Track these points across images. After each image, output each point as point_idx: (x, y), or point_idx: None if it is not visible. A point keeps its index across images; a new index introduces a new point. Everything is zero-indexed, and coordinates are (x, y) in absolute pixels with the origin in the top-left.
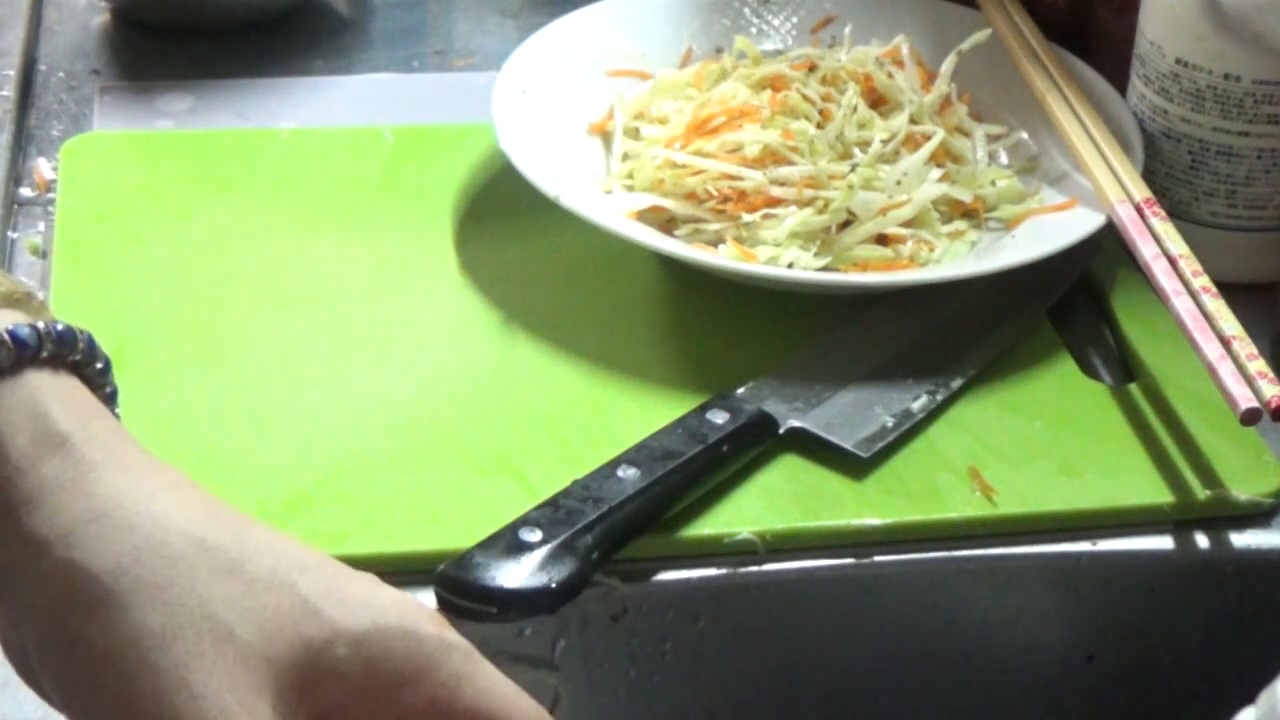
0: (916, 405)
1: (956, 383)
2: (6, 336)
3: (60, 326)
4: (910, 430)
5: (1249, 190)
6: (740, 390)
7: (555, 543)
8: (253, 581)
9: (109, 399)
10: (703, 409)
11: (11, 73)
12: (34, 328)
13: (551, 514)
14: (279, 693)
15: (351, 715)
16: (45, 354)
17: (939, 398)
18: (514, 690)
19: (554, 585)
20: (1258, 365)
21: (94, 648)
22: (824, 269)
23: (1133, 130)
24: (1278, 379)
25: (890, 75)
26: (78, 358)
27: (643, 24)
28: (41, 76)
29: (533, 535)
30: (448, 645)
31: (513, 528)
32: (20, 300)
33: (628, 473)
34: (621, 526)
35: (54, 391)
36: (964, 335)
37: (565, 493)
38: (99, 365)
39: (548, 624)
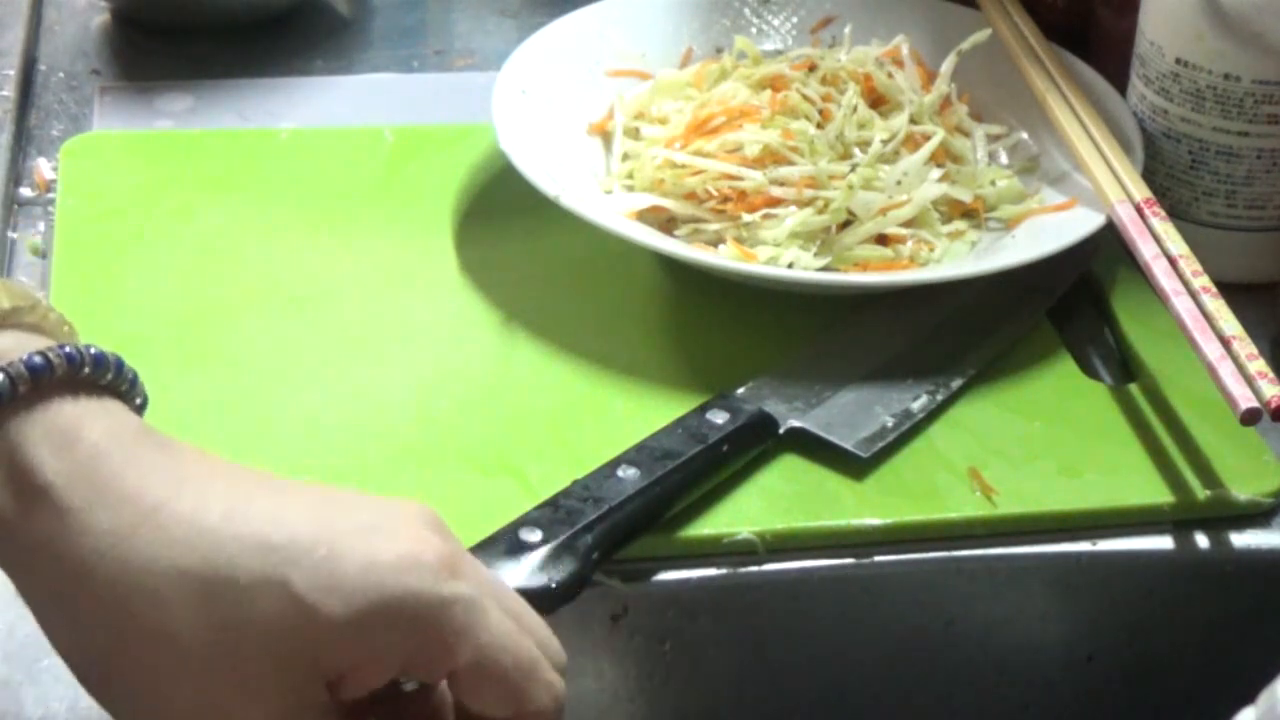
0: (916, 405)
1: (956, 383)
2: (22, 365)
3: (68, 349)
4: (910, 430)
5: (1249, 190)
6: (740, 390)
7: (555, 543)
8: (242, 593)
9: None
10: (703, 409)
11: (11, 73)
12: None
13: (551, 514)
14: (307, 689)
15: (365, 673)
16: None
17: (939, 398)
18: (511, 638)
19: (554, 585)
20: (1258, 365)
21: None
22: (824, 269)
23: (1133, 130)
24: (1278, 379)
25: (890, 75)
26: (108, 378)
27: (643, 24)
28: (41, 76)
29: (533, 535)
30: (446, 602)
31: (513, 528)
32: (22, 313)
33: (628, 473)
34: (622, 526)
35: (52, 428)
36: (964, 335)
37: (565, 493)
38: (114, 379)
39: (548, 624)
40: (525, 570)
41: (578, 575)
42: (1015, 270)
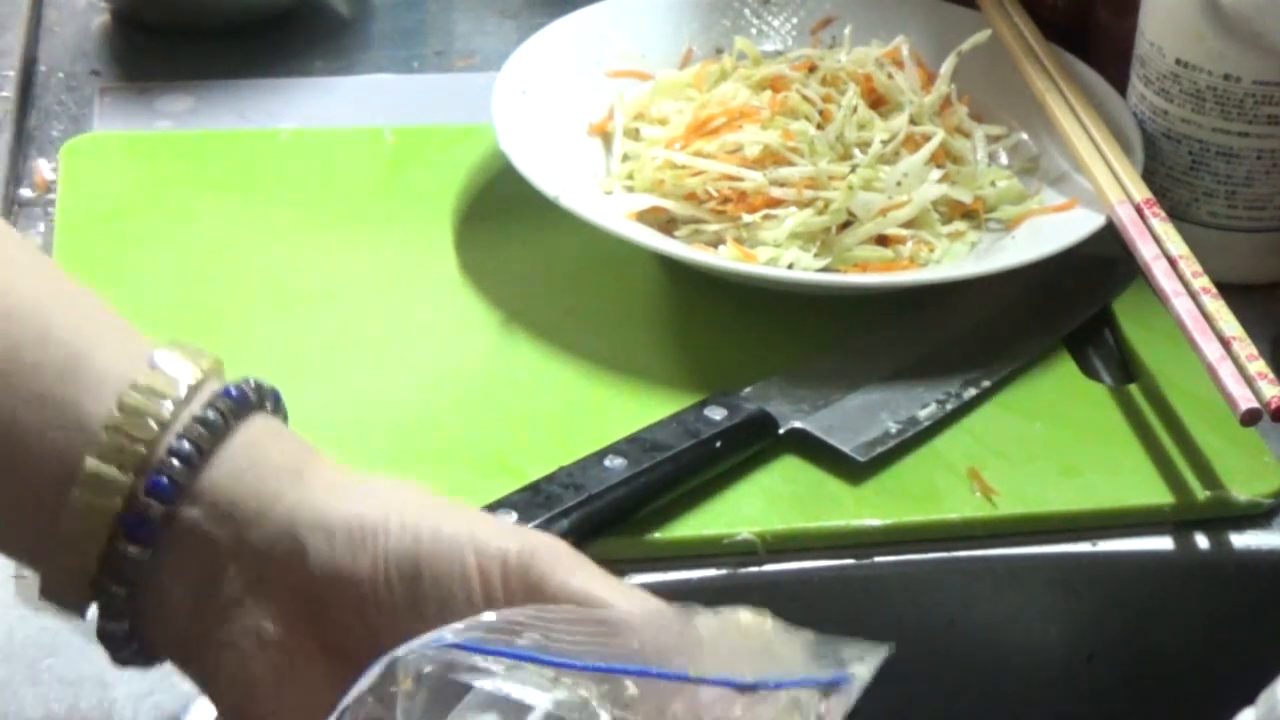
0: (924, 413)
1: (969, 394)
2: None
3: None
4: (913, 437)
5: (1249, 191)
6: (746, 390)
7: (529, 525)
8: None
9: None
10: (701, 405)
11: (11, 73)
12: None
13: (531, 497)
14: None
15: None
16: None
17: (948, 408)
18: None
19: None
20: (1258, 366)
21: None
22: (824, 270)
23: (1133, 131)
24: (1278, 379)
25: (890, 76)
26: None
27: (643, 24)
28: (41, 77)
29: (508, 517)
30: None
31: (490, 509)
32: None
33: (614, 462)
34: (601, 514)
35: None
36: (980, 350)
37: (549, 478)
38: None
39: None
40: None
41: None
42: (1034, 289)
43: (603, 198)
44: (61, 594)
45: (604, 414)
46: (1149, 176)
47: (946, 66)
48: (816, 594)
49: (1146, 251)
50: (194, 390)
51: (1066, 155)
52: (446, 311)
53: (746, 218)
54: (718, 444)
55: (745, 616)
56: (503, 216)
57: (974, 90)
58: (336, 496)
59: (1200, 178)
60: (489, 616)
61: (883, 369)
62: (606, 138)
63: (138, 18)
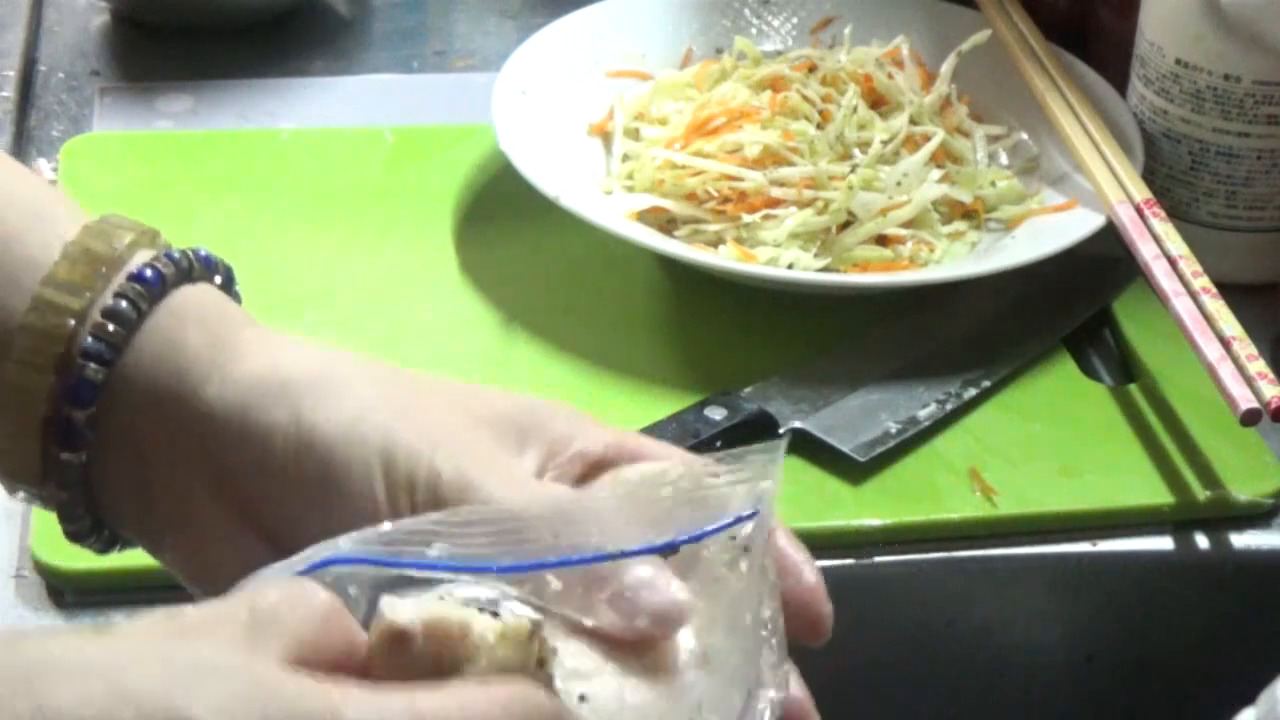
0: (924, 414)
1: (969, 394)
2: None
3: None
4: (913, 437)
5: (1249, 191)
6: (746, 390)
7: None
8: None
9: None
10: (702, 405)
11: (11, 73)
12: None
13: None
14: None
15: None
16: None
17: (948, 408)
18: None
19: None
20: (1258, 366)
21: None
22: (824, 270)
23: (1133, 131)
24: (1278, 380)
25: (890, 76)
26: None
27: (643, 25)
28: (41, 77)
29: None
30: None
31: None
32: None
33: None
34: None
35: None
36: (981, 351)
37: None
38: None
39: None
40: None
41: None
42: (1034, 289)
43: (603, 198)
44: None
45: (604, 414)
46: (1149, 176)
47: (946, 66)
48: None
49: (1146, 251)
50: (112, 271)
51: (1066, 155)
52: (446, 311)
53: (746, 218)
54: (718, 444)
55: (646, 469)
56: (503, 216)
57: (974, 90)
58: (258, 366)
59: (1200, 178)
60: (386, 527)
61: (883, 369)
62: (606, 138)
63: (138, 18)
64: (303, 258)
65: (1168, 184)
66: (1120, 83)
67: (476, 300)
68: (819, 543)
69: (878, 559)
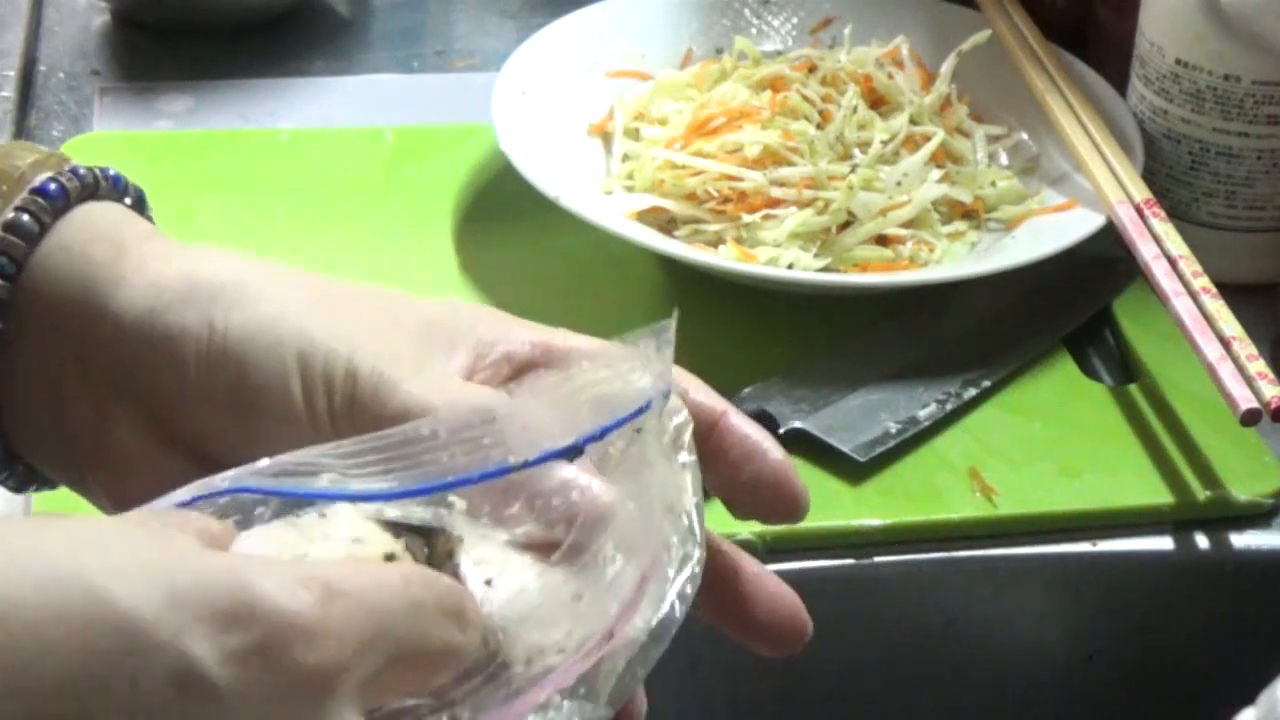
0: (924, 414)
1: (969, 393)
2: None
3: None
4: (913, 437)
5: (1249, 191)
6: (746, 390)
7: None
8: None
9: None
10: None
11: (11, 73)
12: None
13: None
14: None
15: None
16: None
17: (948, 408)
18: None
19: None
20: (1258, 366)
21: None
22: (824, 270)
23: (1133, 131)
24: (1278, 380)
25: (890, 76)
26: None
27: (643, 24)
28: (41, 77)
29: None
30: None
31: None
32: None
33: None
34: None
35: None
36: (981, 351)
37: None
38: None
39: None
40: None
41: None
42: (1029, 285)
43: (603, 198)
44: None
45: None
46: (1149, 176)
47: (946, 66)
48: (816, 594)
49: (1146, 251)
50: (14, 190)
51: (1066, 155)
52: None
53: (746, 218)
54: None
55: (546, 376)
56: (503, 216)
57: (974, 90)
58: (169, 271)
59: (1200, 178)
60: (263, 463)
61: (883, 369)
62: (606, 138)
63: (138, 18)
64: (303, 258)
65: (1168, 184)
66: (1120, 83)
67: (476, 300)
68: (819, 543)
69: (878, 559)
